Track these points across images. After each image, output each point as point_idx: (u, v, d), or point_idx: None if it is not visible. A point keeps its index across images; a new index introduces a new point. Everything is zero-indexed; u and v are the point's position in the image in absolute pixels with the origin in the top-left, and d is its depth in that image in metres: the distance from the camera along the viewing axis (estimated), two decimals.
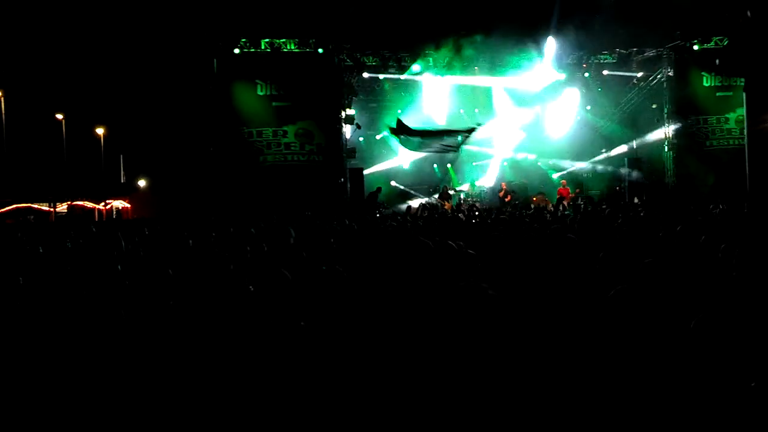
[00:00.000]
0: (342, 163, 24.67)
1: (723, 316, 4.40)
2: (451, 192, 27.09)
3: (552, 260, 7.26)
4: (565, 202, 25.72)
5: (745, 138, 18.26)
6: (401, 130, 22.56)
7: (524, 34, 23.97)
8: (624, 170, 26.31)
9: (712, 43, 24.63)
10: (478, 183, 28.04)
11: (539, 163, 29.44)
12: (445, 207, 25.31)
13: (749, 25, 16.29)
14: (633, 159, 26.28)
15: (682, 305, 5.01)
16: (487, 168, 29.20)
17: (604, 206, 17.86)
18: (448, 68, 25.40)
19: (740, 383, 3.77)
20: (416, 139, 22.63)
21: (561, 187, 27.45)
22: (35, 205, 36.80)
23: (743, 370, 3.92)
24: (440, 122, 26.32)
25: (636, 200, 22.87)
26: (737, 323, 4.36)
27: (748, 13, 16.19)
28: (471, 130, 22.95)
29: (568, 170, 28.72)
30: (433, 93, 26.46)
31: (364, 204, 23.62)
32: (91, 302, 4.60)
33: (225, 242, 9.81)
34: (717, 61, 23.85)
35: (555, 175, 28.95)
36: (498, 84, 26.67)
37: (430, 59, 25.27)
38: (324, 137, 24.14)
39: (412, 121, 23.55)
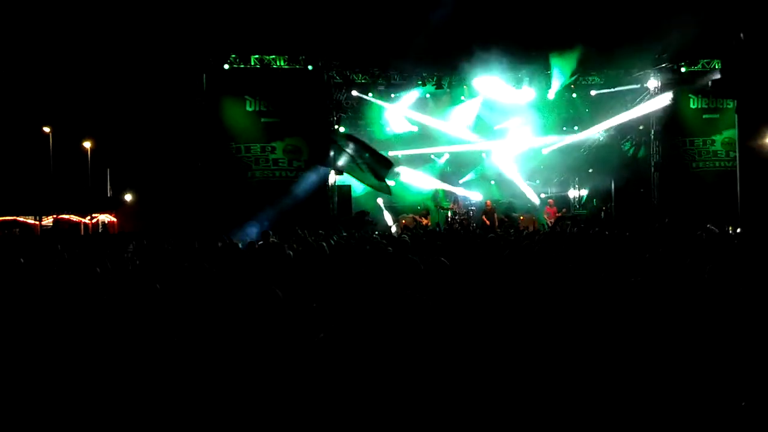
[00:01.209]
0: (330, 180, 24.67)
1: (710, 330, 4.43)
2: (441, 209, 27.26)
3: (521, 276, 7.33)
4: (550, 221, 25.98)
5: (737, 159, 18.28)
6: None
7: (514, 56, 24.02)
8: (611, 191, 26.34)
9: (700, 66, 24.85)
10: (462, 196, 28.08)
11: (527, 182, 29.56)
12: (423, 223, 25.38)
13: (742, 47, 16.39)
14: (620, 179, 26.36)
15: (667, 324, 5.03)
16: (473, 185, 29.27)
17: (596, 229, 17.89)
18: (437, 86, 25.47)
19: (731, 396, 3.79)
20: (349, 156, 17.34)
21: (548, 206, 27.60)
22: (21, 218, 36.64)
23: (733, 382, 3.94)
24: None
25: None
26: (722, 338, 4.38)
27: (741, 36, 16.30)
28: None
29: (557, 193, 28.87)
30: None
31: (352, 222, 23.66)
32: (79, 314, 4.57)
33: (212, 257, 9.77)
34: (709, 83, 24.06)
35: (542, 195, 29.03)
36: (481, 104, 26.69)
37: (419, 79, 25.37)
38: (312, 154, 24.14)
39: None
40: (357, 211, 25.12)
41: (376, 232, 18.54)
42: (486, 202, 27.27)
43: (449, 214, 26.95)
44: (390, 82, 25.52)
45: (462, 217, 26.46)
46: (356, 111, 27.11)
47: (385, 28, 22.99)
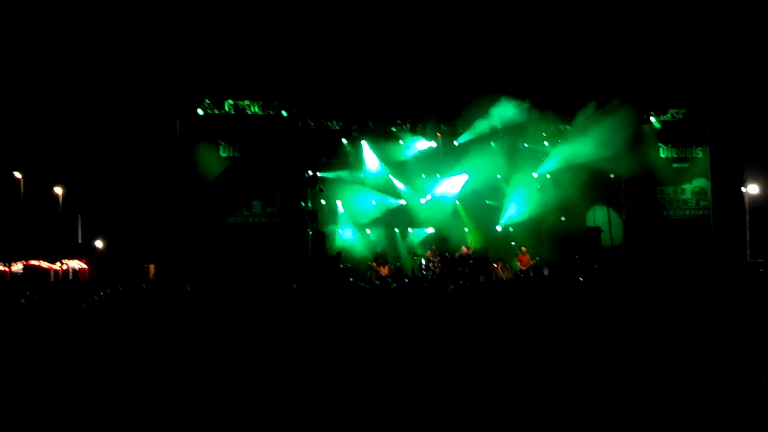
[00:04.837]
0: (304, 225, 24.60)
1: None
2: (415, 256, 27.18)
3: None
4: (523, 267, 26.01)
5: (710, 203, 18.42)
6: None
7: (485, 102, 24.26)
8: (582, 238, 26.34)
9: (668, 116, 25.22)
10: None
11: (499, 228, 29.50)
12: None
13: (714, 82, 16.64)
14: (591, 228, 26.47)
15: None
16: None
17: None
18: (411, 133, 25.69)
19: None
20: None
21: (520, 254, 27.60)
22: None
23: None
24: None
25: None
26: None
27: (713, 68, 16.59)
28: None
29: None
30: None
31: (326, 264, 23.58)
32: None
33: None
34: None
35: (513, 243, 28.98)
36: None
37: (393, 125, 25.55)
38: (285, 200, 24.11)
39: None
40: (331, 255, 25.05)
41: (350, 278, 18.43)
42: (462, 248, 27.20)
43: (423, 261, 26.79)
44: (364, 129, 25.64)
45: (436, 266, 26.23)
46: (332, 156, 27.15)
47: (359, 75, 23.17)
